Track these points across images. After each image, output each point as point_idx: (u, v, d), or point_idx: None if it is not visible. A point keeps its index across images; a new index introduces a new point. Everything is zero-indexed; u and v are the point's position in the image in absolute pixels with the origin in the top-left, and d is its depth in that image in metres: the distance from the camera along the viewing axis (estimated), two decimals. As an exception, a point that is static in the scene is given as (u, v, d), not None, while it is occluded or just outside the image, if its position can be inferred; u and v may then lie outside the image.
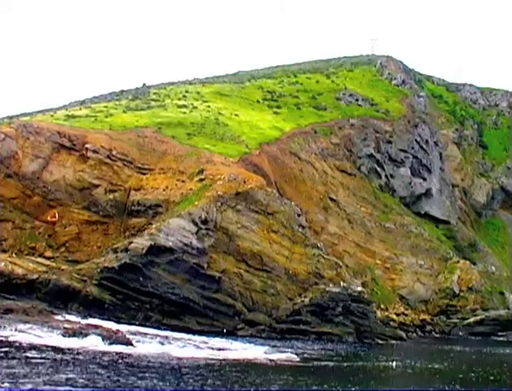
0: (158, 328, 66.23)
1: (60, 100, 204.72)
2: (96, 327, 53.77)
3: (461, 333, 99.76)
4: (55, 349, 44.77)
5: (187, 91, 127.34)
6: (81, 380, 35.42)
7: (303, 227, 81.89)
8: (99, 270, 71.32)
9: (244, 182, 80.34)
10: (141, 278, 70.39)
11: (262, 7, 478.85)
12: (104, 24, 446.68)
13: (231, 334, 68.35)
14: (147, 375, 39.10)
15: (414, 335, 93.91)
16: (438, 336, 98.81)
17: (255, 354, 52.23)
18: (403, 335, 78.56)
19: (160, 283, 70.42)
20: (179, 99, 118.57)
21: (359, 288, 75.30)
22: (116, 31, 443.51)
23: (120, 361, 43.58)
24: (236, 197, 78.19)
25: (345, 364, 51.28)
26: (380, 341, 72.19)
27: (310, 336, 69.96)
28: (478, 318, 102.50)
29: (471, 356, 69.70)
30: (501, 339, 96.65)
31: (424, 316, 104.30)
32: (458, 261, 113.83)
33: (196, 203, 75.90)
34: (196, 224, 73.00)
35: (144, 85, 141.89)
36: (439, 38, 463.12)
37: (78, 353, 44.55)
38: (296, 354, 53.80)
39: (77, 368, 39.01)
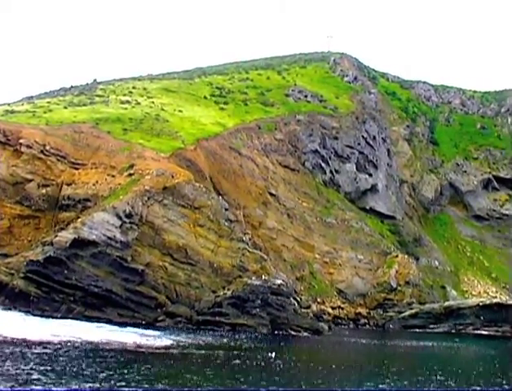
0: (80, 320, 67.21)
1: (12, 96, 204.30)
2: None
3: (391, 326, 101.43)
4: None
5: (133, 87, 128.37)
6: None
7: (231, 221, 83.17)
8: (25, 263, 72.36)
9: (172, 176, 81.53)
10: (65, 271, 71.47)
11: (230, 4, 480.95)
12: (69, 19, 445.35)
13: (151, 325, 69.55)
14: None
15: (344, 327, 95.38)
16: (370, 328, 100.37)
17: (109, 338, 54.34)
18: (324, 327, 79.24)
19: (83, 276, 71.54)
20: (124, 95, 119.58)
21: (279, 281, 76.34)
22: (78, 27, 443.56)
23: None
24: (163, 192, 79.38)
25: (212, 352, 51.74)
26: (293, 333, 73.20)
27: (224, 327, 71.31)
28: (413, 311, 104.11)
29: (365, 348, 69.94)
30: (429, 331, 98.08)
31: (361, 310, 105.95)
32: (397, 256, 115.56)
33: (121, 197, 77.03)
34: (120, 218, 74.08)
35: (95, 80, 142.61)
36: (396, 36, 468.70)
37: None
38: (173, 342, 55.74)
39: None
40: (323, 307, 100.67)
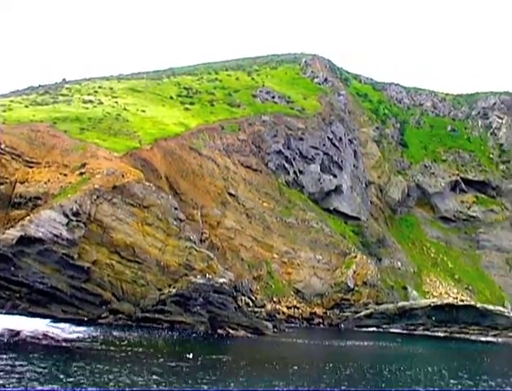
0: (25, 316, 68.23)
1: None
2: None
3: (343, 326, 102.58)
4: None
5: (99, 87, 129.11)
6: None
7: (180, 220, 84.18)
8: (-28, 260, 73.32)
9: (123, 176, 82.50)
10: (12, 268, 72.60)
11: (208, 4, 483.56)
12: (51, 19, 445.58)
13: (93, 322, 70.62)
14: None
15: (297, 326, 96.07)
16: (324, 328, 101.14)
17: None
18: (269, 326, 79.39)
19: (30, 273, 72.64)
20: (89, 95, 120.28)
21: (222, 280, 77.23)
22: (56, 26, 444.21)
23: None
24: (112, 190, 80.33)
25: (118, 349, 52.04)
26: (232, 332, 73.56)
27: (163, 324, 72.22)
28: (368, 311, 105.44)
29: (294, 349, 69.62)
30: (381, 331, 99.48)
31: (318, 309, 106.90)
32: (356, 256, 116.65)
33: (69, 195, 78.00)
34: (66, 216, 75.07)
35: (64, 79, 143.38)
36: (371, 38, 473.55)
37: None
38: (79, 336, 57.15)
39: None
40: (278, 306, 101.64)
